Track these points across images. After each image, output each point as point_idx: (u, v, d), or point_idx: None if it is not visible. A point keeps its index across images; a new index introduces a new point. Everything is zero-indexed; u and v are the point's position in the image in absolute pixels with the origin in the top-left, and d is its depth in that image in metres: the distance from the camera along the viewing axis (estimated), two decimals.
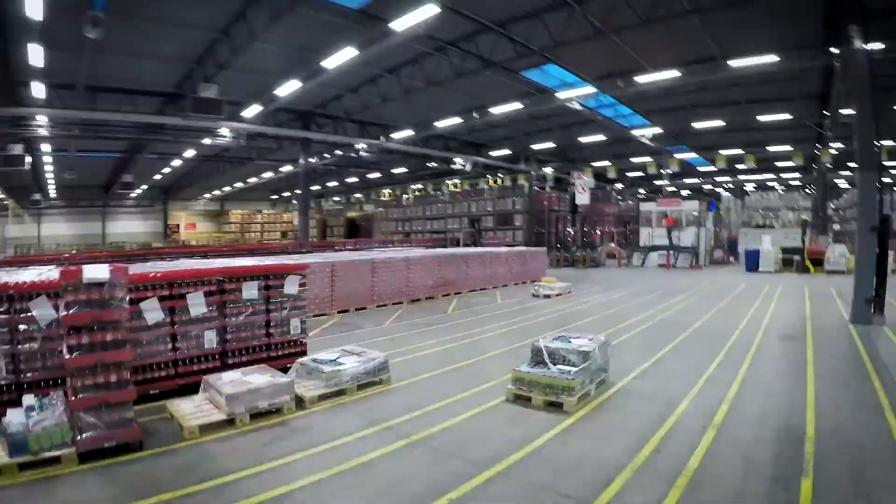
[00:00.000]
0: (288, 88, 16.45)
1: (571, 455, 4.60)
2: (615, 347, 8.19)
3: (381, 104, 20.53)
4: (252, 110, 19.25)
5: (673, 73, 15.84)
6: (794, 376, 7.04)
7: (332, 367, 6.51)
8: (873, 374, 7.05)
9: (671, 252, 28.28)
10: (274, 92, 17.21)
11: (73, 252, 25.89)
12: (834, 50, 13.38)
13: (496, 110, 20.38)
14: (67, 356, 4.76)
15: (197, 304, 6.62)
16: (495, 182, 36.46)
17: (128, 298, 5.20)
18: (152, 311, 6.25)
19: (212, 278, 6.84)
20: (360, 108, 22.05)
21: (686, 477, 4.15)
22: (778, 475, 4.20)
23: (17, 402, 5.06)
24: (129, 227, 46.98)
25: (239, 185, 44.95)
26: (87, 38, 11.23)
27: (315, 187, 49.03)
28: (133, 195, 41.85)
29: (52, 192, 38.57)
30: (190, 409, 5.60)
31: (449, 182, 39.60)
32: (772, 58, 14.35)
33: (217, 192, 49.60)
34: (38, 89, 15.52)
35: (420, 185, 43.11)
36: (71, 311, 4.79)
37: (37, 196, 37.49)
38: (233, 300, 6.95)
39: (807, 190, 37.79)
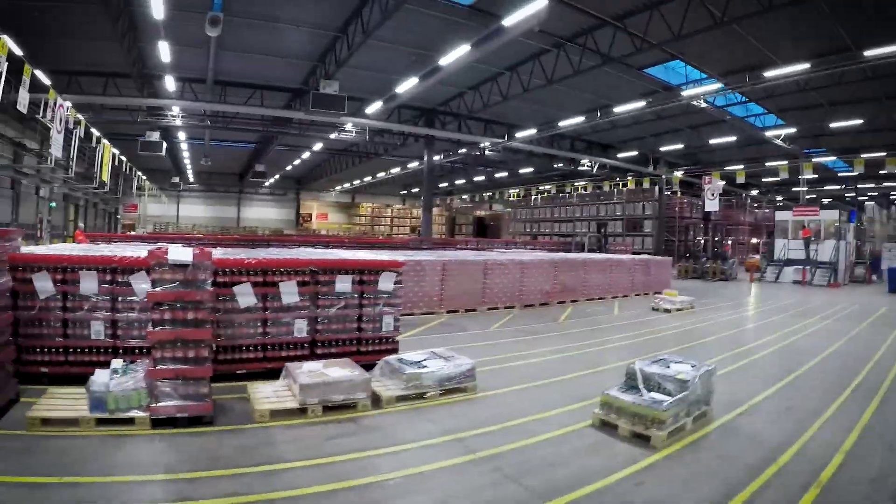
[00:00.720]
0: (407, 86, 16.73)
1: (643, 500, 3.98)
2: (728, 374, 7.35)
3: (502, 103, 20.36)
4: (374, 107, 19.82)
5: (802, 66, 14.39)
6: None
7: (415, 369, 6.29)
8: None
9: (807, 267, 25.34)
10: (394, 90, 17.58)
11: (203, 233, 28.09)
12: None
13: (620, 109, 19.48)
14: (151, 329, 5.06)
15: (289, 292, 6.73)
16: (624, 185, 34.83)
17: (213, 281, 5.38)
18: (245, 296, 6.45)
19: (305, 269, 6.91)
20: (482, 107, 21.99)
21: None
22: None
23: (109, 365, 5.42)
24: (262, 213, 49.79)
25: (368, 178, 46.32)
26: (211, 37, 12.14)
27: (443, 184, 49.71)
28: (267, 183, 44.87)
29: (191, 177, 42.13)
30: (266, 394, 5.68)
31: (576, 183, 38.49)
32: None
33: (347, 185, 51.14)
34: (169, 82, 17.11)
35: (547, 186, 42.26)
36: (157, 289, 5.08)
37: (176, 179, 41.43)
38: (326, 292, 6.98)
39: None
